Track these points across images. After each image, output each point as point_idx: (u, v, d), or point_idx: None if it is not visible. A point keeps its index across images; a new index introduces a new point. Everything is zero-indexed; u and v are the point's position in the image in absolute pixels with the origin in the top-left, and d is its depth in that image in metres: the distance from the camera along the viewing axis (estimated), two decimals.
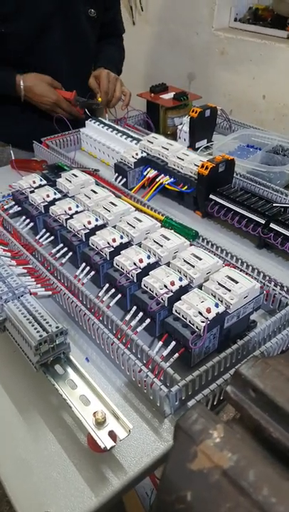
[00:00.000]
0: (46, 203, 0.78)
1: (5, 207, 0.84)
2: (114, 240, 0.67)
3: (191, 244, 0.70)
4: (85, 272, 0.68)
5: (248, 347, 0.57)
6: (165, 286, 0.58)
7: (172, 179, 0.92)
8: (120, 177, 0.97)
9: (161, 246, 0.65)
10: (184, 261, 0.62)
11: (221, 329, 0.57)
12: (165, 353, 0.55)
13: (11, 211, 0.83)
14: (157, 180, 0.93)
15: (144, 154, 0.96)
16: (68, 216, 0.74)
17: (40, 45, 1.09)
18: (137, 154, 0.95)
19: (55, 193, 0.80)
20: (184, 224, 0.77)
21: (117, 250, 0.66)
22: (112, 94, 1.20)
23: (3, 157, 1.24)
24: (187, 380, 0.50)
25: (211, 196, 0.86)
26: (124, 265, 0.63)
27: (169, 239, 0.66)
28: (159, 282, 0.59)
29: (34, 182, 0.84)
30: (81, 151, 1.18)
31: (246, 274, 0.62)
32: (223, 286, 0.57)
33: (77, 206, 0.76)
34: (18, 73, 1.08)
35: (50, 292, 0.63)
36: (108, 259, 0.66)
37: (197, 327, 0.54)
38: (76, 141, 1.18)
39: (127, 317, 0.60)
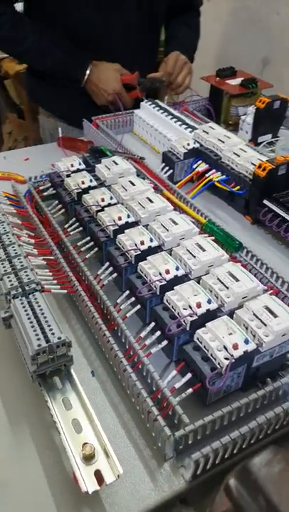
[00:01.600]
0: (80, 190, 0.72)
1: (40, 188, 0.79)
2: (142, 243, 0.60)
3: (232, 258, 0.61)
4: (108, 272, 0.61)
5: (277, 393, 0.48)
6: (190, 307, 0.50)
7: (224, 176, 0.83)
8: (167, 168, 0.89)
9: (194, 257, 0.57)
10: (218, 279, 0.54)
11: (248, 368, 0.48)
12: (178, 384, 0.47)
13: (45, 193, 0.78)
14: (207, 175, 0.84)
15: (197, 145, 0.87)
16: (100, 208, 0.68)
17: (109, 19, 1.01)
18: (188, 144, 0.86)
19: (91, 180, 0.73)
20: (227, 232, 0.67)
21: (145, 254, 0.58)
22: (175, 76, 1.10)
23: (55, 134, 1.19)
24: (196, 425, 0.42)
25: (265, 202, 0.76)
26: (149, 274, 0.55)
27: (204, 250, 0.58)
28: (183, 301, 0.51)
29: (72, 165, 0.78)
30: (132, 135, 1.10)
31: None
32: (259, 318, 0.48)
33: (111, 198, 0.69)
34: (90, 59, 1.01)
35: (65, 291, 0.58)
36: (133, 262, 0.59)
37: (219, 364, 0.45)
38: (129, 122, 1.10)
39: (144, 333, 0.53)
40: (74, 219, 0.70)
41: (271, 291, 0.57)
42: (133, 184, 0.71)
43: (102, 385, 0.52)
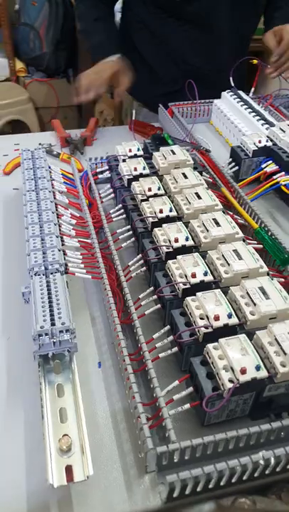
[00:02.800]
0: (131, 177, 0.70)
1: (97, 170, 0.79)
2: (176, 240, 0.56)
3: (277, 272, 0.55)
4: (138, 264, 0.59)
5: (287, 432, 0.42)
6: (207, 318, 0.46)
7: None
8: (233, 163, 0.83)
9: (228, 265, 0.52)
10: (247, 294, 0.48)
11: (258, 396, 0.43)
12: (177, 397, 0.44)
13: (100, 176, 0.78)
14: (275, 177, 0.77)
15: (270, 144, 0.80)
16: (145, 197, 0.65)
17: None
18: (260, 141, 0.80)
19: (144, 168, 0.71)
20: (280, 242, 0.61)
21: (177, 253, 0.55)
22: (286, 59, 0.99)
23: (138, 117, 1.18)
24: (182, 445, 0.39)
25: None
26: (174, 274, 0.52)
27: (241, 258, 0.53)
28: (202, 310, 0.47)
29: (130, 150, 0.76)
30: (208, 126, 1.05)
31: None
32: (280, 345, 0.43)
33: (159, 188, 0.66)
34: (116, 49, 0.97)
35: (89, 276, 0.57)
36: (163, 259, 0.56)
37: (223, 385, 0.41)
38: (207, 112, 1.05)
39: (157, 334, 0.50)
40: (120, 205, 0.69)
41: None
42: (185, 177, 0.68)
43: (105, 378, 0.50)
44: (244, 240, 0.59)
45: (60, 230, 0.61)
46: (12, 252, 0.66)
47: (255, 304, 0.47)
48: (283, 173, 0.77)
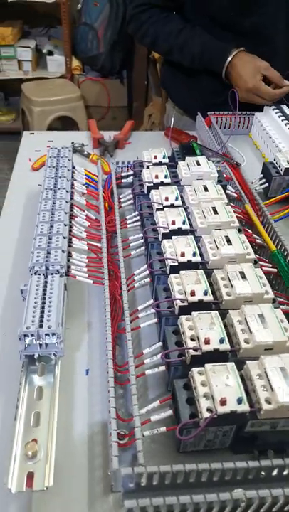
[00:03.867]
0: (152, 184, 0.69)
1: (122, 174, 0.78)
2: (182, 254, 0.54)
3: (287, 299, 0.52)
4: (143, 274, 0.58)
5: (270, 472, 0.39)
6: (198, 340, 0.44)
7: None
8: (264, 180, 0.80)
9: (232, 286, 0.50)
10: (245, 320, 0.46)
11: (240, 430, 0.41)
12: (155, 418, 0.42)
13: (124, 180, 0.77)
14: None
15: None
16: (161, 207, 0.64)
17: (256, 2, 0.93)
18: None
19: (165, 176, 0.69)
20: None
21: (181, 267, 0.53)
22: None
23: (176, 123, 1.17)
24: (148, 470, 0.37)
25: None
26: (174, 289, 0.50)
27: (246, 280, 0.50)
28: (194, 331, 0.45)
29: (156, 157, 0.75)
30: (247, 138, 1.02)
31: None
32: (269, 380, 0.40)
33: (176, 199, 0.64)
34: (236, 48, 0.94)
35: (91, 281, 0.56)
36: (168, 272, 0.54)
37: (201, 412, 0.39)
38: (247, 125, 1.02)
39: (148, 349, 0.49)
40: (137, 212, 0.68)
41: None
42: (206, 189, 0.65)
43: (90, 386, 0.49)
44: (256, 262, 0.56)
45: (70, 231, 0.61)
46: (26, 249, 0.67)
47: (251, 332, 0.44)
48: None
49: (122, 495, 0.40)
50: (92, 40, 2.38)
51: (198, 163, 0.71)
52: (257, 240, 0.64)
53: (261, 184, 0.80)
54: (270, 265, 0.60)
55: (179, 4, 0.99)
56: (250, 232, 0.66)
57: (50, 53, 2.47)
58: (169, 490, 0.38)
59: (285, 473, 0.40)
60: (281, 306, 0.52)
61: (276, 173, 0.77)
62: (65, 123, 2.33)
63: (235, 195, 0.75)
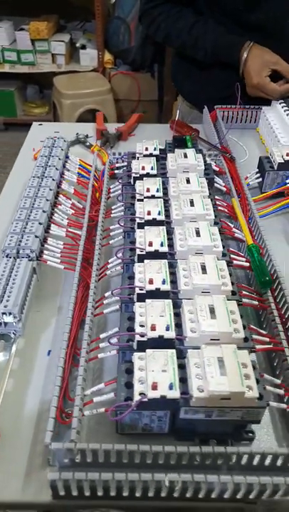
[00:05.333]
0: (138, 175, 0.70)
1: (116, 165, 0.80)
2: (150, 244, 0.55)
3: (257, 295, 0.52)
4: (116, 262, 0.59)
5: (204, 459, 0.40)
6: (146, 326, 0.45)
7: None
8: (258, 175, 0.79)
9: (190, 277, 0.50)
10: (196, 310, 0.46)
11: (175, 417, 0.41)
12: (97, 399, 0.44)
13: (117, 171, 0.78)
14: None
15: None
16: (142, 197, 0.65)
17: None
18: (288, 154, 0.74)
19: (152, 168, 0.70)
20: (264, 264, 0.57)
21: (148, 257, 0.54)
22: None
23: (186, 117, 1.17)
24: (78, 447, 0.39)
25: None
26: (136, 277, 0.51)
27: (205, 272, 0.50)
28: (144, 317, 0.46)
29: (147, 149, 0.75)
30: (254, 133, 1.00)
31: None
32: (205, 369, 0.40)
33: (158, 190, 0.65)
34: (249, 41, 0.93)
35: (62, 266, 0.58)
36: (136, 261, 0.55)
37: (134, 396, 0.40)
38: (254, 119, 1.00)
39: (104, 334, 0.50)
40: (121, 203, 0.69)
41: (260, 347, 0.47)
42: (188, 182, 0.66)
43: (49, 366, 0.51)
44: (225, 255, 0.56)
45: (51, 217, 0.63)
46: None
47: (198, 322, 0.45)
48: None
49: (60, 469, 0.42)
50: (124, 34, 2.39)
51: (185, 156, 0.71)
52: (236, 234, 0.64)
53: (256, 178, 0.79)
54: (245, 259, 0.59)
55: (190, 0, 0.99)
56: (231, 225, 0.65)
57: (83, 47, 2.51)
58: (108, 469, 0.39)
59: (219, 461, 0.40)
60: (245, 300, 0.52)
61: (270, 167, 0.76)
62: (95, 116, 2.37)
63: (224, 189, 0.74)
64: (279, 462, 0.40)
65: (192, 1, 0.99)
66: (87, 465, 0.40)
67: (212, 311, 0.45)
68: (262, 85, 0.92)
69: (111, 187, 0.75)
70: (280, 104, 0.93)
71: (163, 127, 1.04)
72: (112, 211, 0.69)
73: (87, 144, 0.93)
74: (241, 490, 0.38)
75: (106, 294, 0.55)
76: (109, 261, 0.60)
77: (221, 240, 0.57)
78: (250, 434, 0.45)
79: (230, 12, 0.94)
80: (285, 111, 0.90)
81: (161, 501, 0.39)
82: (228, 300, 0.48)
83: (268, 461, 0.40)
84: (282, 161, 0.74)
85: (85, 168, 0.78)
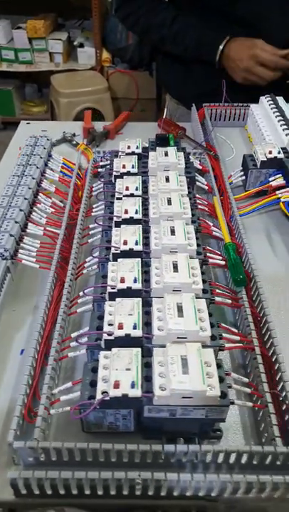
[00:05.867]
0: (119, 174, 0.70)
1: (100, 164, 0.80)
2: (125, 243, 0.55)
3: (233, 294, 0.52)
4: (93, 261, 0.59)
5: (169, 458, 0.40)
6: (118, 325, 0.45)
7: None
8: (242, 173, 0.78)
9: (162, 275, 0.50)
10: (165, 308, 0.46)
11: (139, 415, 0.41)
12: (64, 398, 0.44)
13: (100, 169, 0.78)
14: (277, 192, 0.71)
15: (282, 156, 0.74)
16: (121, 196, 0.65)
17: None
18: (270, 152, 0.74)
19: (132, 166, 0.70)
20: (239, 263, 0.57)
21: (122, 255, 0.54)
22: None
23: (174, 114, 1.17)
24: (41, 445, 0.39)
25: None
26: (108, 276, 0.51)
27: (176, 270, 0.50)
28: (113, 316, 0.46)
29: (129, 147, 0.75)
30: (243, 131, 1.00)
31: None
32: (169, 368, 0.40)
33: (136, 189, 0.65)
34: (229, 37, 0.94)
35: (37, 266, 0.58)
36: (110, 259, 0.55)
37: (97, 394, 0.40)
38: (243, 117, 1.00)
39: (76, 333, 0.50)
40: (102, 201, 0.69)
41: (230, 345, 0.47)
42: (167, 180, 0.65)
43: (22, 365, 0.51)
44: (200, 253, 0.56)
45: (29, 216, 0.63)
46: None
47: (166, 320, 0.45)
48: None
49: (25, 467, 0.42)
50: (122, 32, 2.39)
51: (166, 154, 0.71)
52: (214, 233, 0.64)
53: (240, 177, 0.79)
54: (221, 258, 0.59)
55: None
56: (211, 224, 0.65)
57: (81, 45, 2.50)
58: (74, 468, 0.39)
59: (184, 460, 0.40)
60: (217, 298, 0.52)
61: (253, 165, 0.75)
62: (93, 114, 2.37)
63: (206, 187, 0.74)
64: (243, 460, 0.40)
65: None
66: (52, 464, 0.41)
67: (180, 309, 0.45)
68: (252, 66, 0.92)
69: (94, 185, 0.75)
70: (267, 101, 0.92)
71: (152, 125, 1.04)
72: (93, 210, 0.69)
73: (74, 142, 0.93)
74: (202, 488, 0.38)
75: (80, 293, 0.55)
76: (87, 260, 0.60)
77: (197, 239, 0.57)
78: (218, 433, 0.45)
79: (213, 6, 0.93)
80: (271, 108, 0.89)
81: (123, 499, 0.39)
82: (199, 298, 0.48)
83: (232, 460, 0.40)
84: (265, 159, 0.74)
85: (69, 166, 0.78)
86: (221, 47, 0.93)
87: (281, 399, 0.44)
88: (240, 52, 0.93)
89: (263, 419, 0.44)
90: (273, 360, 0.47)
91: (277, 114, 0.87)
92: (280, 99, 0.92)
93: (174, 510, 0.40)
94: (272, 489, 0.38)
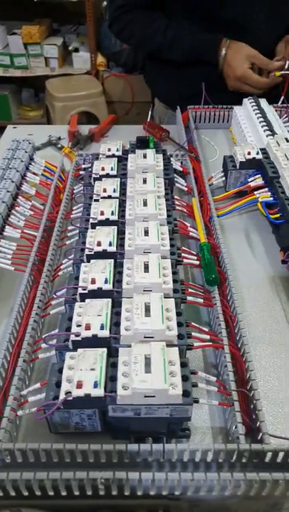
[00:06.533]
0: (98, 176, 0.70)
1: (83, 166, 0.80)
2: (99, 244, 0.55)
3: (206, 293, 0.52)
4: (69, 263, 0.59)
5: (134, 457, 0.40)
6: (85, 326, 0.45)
7: (271, 199, 0.69)
8: (222, 174, 0.79)
9: (133, 276, 0.50)
10: (134, 307, 0.46)
11: (104, 415, 0.41)
12: (32, 399, 0.44)
13: (82, 172, 0.79)
14: (256, 193, 0.71)
15: (260, 156, 0.74)
16: (98, 198, 0.65)
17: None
18: (249, 153, 0.74)
19: (111, 168, 0.70)
20: (212, 262, 0.57)
21: (96, 256, 0.54)
22: None
23: (163, 118, 1.17)
24: (4, 447, 0.39)
25: None
26: (80, 277, 0.51)
27: (147, 270, 0.50)
28: (81, 317, 0.46)
29: (109, 150, 0.76)
30: (228, 132, 1.00)
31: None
32: (133, 368, 0.41)
33: (114, 191, 0.65)
34: (226, 38, 0.94)
35: (12, 268, 0.58)
36: (85, 261, 0.56)
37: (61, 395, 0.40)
38: (228, 118, 1.00)
39: (45, 335, 0.50)
40: (81, 204, 0.70)
41: (201, 344, 0.47)
42: (145, 182, 0.66)
43: None
44: (174, 254, 0.56)
45: (7, 219, 0.63)
46: None
47: (133, 320, 0.45)
48: (267, 189, 0.71)
49: None
50: None
51: (144, 156, 0.71)
52: (190, 233, 0.64)
53: (221, 178, 0.79)
54: (196, 258, 0.59)
55: (159, 2, 0.99)
56: (188, 224, 0.66)
57: (76, 50, 2.52)
58: (41, 469, 0.39)
59: (150, 459, 0.40)
60: (189, 298, 0.52)
61: (232, 166, 0.76)
62: (89, 118, 2.38)
63: (186, 189, 0.75)
64: (209, 459, 0.40)
65: (162, 5, 0.99)
66: (18, 465, 0.41)
67: (147, 309, 0.46)
68: (246, 77, 0.93)
69: (74, 188, 0.75)
70: (250, 103, 0.93)
71: (137, 128, 1.04)
72: (73, 212, 0.69)
73: (59, 145, 0.93)
74: (164, 487, 0.38)
75: (55, 295, 0.56)
76: (63, 262, 0.60)
77: (172, 239, 0.57)
78: (187, 432, 0.45)
79: (200, 11, 0.94)
80: (254, 110, 0.90)
81: (87, 500, 0.39)
82: (168, 298, 0.48)
83: (197, 458, 0.40)
84: (244, 160, 0.74)
85: (51, 169, 0.79)
86: (223, 51, 0.93)
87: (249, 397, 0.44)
88: (236, 60, 0.93)
89: (230, 418, 0.44)
90: (244, 359, 0.48)
91: (259, 115, 0.87)
92: (263, 101, 0.93)
93: (140, 509, 0.40)
94: (234, 487, 0.38)
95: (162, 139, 0.92)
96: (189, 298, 0.52)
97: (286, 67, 0.91)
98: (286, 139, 0.75)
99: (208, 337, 0.49)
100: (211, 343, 0.49)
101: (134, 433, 0.43)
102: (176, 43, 0.98)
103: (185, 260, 0.58)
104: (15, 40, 2.39)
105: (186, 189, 0.74)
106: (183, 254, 0.58)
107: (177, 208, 0.67)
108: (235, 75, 0.93)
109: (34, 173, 0.76)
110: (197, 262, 0.58)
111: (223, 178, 0.78)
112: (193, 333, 0.48)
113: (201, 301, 0.53)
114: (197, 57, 0.99)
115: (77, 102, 2.28)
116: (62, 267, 0.60)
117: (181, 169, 0.79)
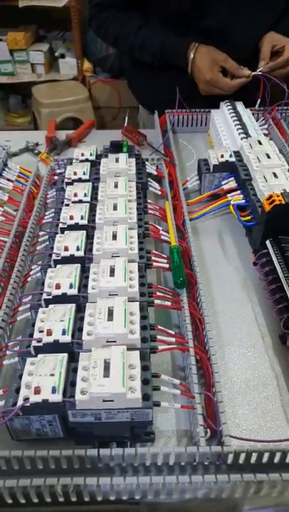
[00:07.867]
0: (70, 181, 0.70)
1: (57, 171, 0.80)
2: (66, 249, 0.55)
3: (175, 296, 0.52)
4: (38, 268, 0.59)
5: (95, 462, 0.40)
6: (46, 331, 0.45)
7: (243, 201, 0.69)
8: (197, 177, 0.79)
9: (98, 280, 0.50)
10: (97, 312, 0.46)
11: (65, 420, 0.41)
12: None
13: (56, 177, 0.79)
14: (228, 195, 0.72)
15: (233, 159, 0.75)
16: (69, 202, 0.65)
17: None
18: (222, 156, 0.75)
19: (84, 173, 0.70)
20: (181, 265, 0.57)
21: (63, 261, 0.54)
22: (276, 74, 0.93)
23: (148, 123, 1.18)
24: None
25: (267, 243, 0.61)
26: (46, 282, 0.51)
27: (113, 275, 0.50)
28: (44, 323, 0.46)
29: (83, 154, 0.76)
30: (206, 136, 1.00)
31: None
32: (92, 372, 0.40)
33: (85, 195, 0.65)
34: (195, 42, 0.94)
35: None
36: (53, 266, 0.56)
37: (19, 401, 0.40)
38: (206, 122, 1.01)
39: (12, 342, 0.50)
40: (53, 209, 0.69)
41: (167, 347, 0.47)
42: (116, 186, 0.66)
43: None
44: (143, 257, 0.56)
45: None
46: None
47: (95, 324, 0.45)
48: (239, 191, 0.71)
49: None
50: (102, 42, 2.41)
51: (116, 161, 0.71)
52: (162, 237, 0.64)
53: (196, 181, 0.79)
54: (166, 261, 0.59)
55: (137, 4, 0.99)
56: (160, 228, 0.66)
57: (63, 56, 2.53)
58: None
59: (112, 464, 0.40)
60: (157, 301, 0.52)
61: (206, 170, 0.76)
62: (76, 124, 2.38)
63: (160, 192, 0.75)
64: (171, 462, 0.40)
65: (138, 6, 1.00)
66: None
67: (110, 313, 0.45)
68: (215, 80, 0.92)
69: (48, 193, 0.75)
70: (226, 107, 0.93)
71: (116, 133, 1.05)
72: (45, 217, 0.69)
73: (36, 151, 0.93)
74: (123, 492, 0.38)
75: (24, 300, 0.55)
76: (33, 267, 0.60)
77: (141, 243, 0.57)
78: (151, 436, 0.45)
79: (178, 17, 0.95)
80: (230, 113, 0.90)
81: (46, 507, 0.39)
82: (133, 301, 0.48)
83: (160, 462, 0.40)
84: (217, 163, 0.74)
85: (26, 175, 0.79)
86: (191, 55, 0.93)
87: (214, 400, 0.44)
88: (205, 64, 0.93)
89: (194, 421, 0.44)
90: (210, 362, 0.48)
91: (235, 118, 0.88)
92: (240, 104, 0.94)
93: None
94: (194, 489, 0.38)
95: (139, 144, 0.92)
96: (157, 301, 0.52)
97: (261, 68, 0.91)
98: (259, 141, 0.76)
99: (174, 340, 0.49)
100: (176, 346, 0.49)
101: (98, 438, 0.43)
102: (146, 45, 0.98)
103: (155, 264, 0.58)
104: (0, 46, 2.39)
105: (160, 193, 0.74)
106: (153, 258, 0.58)
107: (150, 211, 0.67)
108: (205, 79, 0.93)
109: (8, 179, 0.76)
110: (167, 266, 0.58)
111: (198, 182, 0.78)
112: (159, 337, 0.48)
113: (169, 304, 0.53)
114: (167, 61, 0.99)
115: (64, 108, 2.28)
116: (31, 272, 0.59)
117: (156, 173, 0.79)
